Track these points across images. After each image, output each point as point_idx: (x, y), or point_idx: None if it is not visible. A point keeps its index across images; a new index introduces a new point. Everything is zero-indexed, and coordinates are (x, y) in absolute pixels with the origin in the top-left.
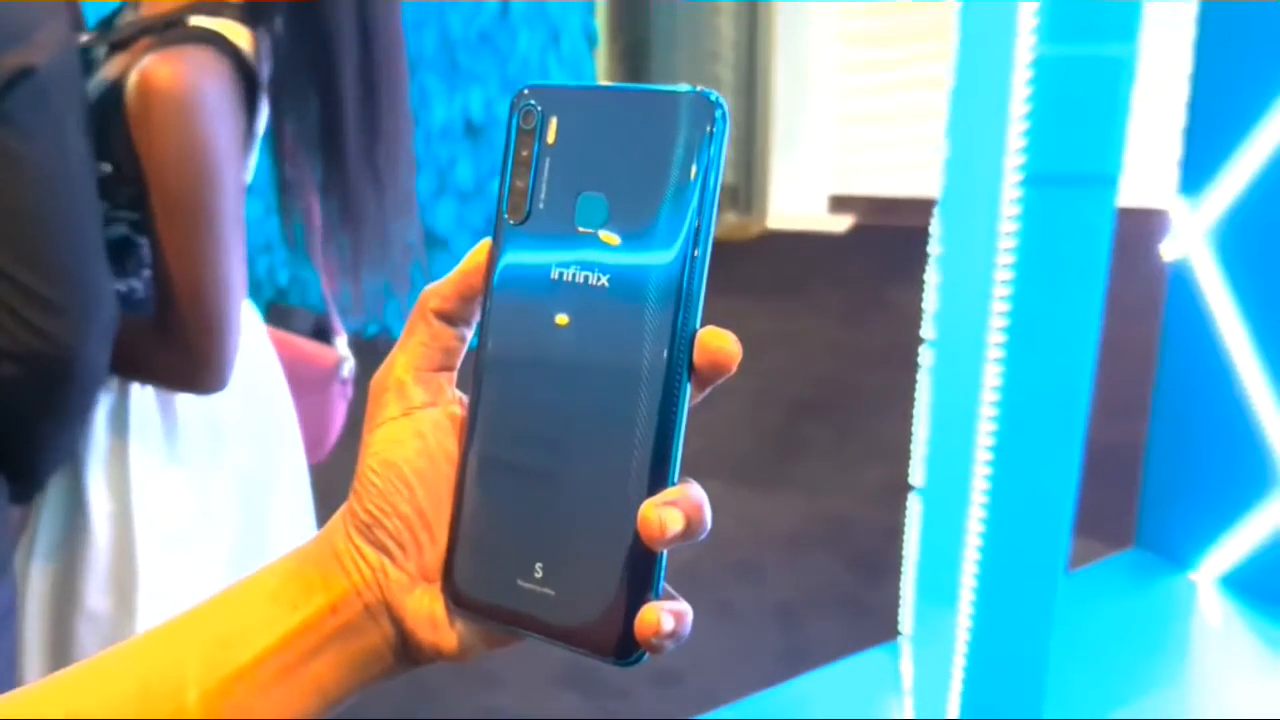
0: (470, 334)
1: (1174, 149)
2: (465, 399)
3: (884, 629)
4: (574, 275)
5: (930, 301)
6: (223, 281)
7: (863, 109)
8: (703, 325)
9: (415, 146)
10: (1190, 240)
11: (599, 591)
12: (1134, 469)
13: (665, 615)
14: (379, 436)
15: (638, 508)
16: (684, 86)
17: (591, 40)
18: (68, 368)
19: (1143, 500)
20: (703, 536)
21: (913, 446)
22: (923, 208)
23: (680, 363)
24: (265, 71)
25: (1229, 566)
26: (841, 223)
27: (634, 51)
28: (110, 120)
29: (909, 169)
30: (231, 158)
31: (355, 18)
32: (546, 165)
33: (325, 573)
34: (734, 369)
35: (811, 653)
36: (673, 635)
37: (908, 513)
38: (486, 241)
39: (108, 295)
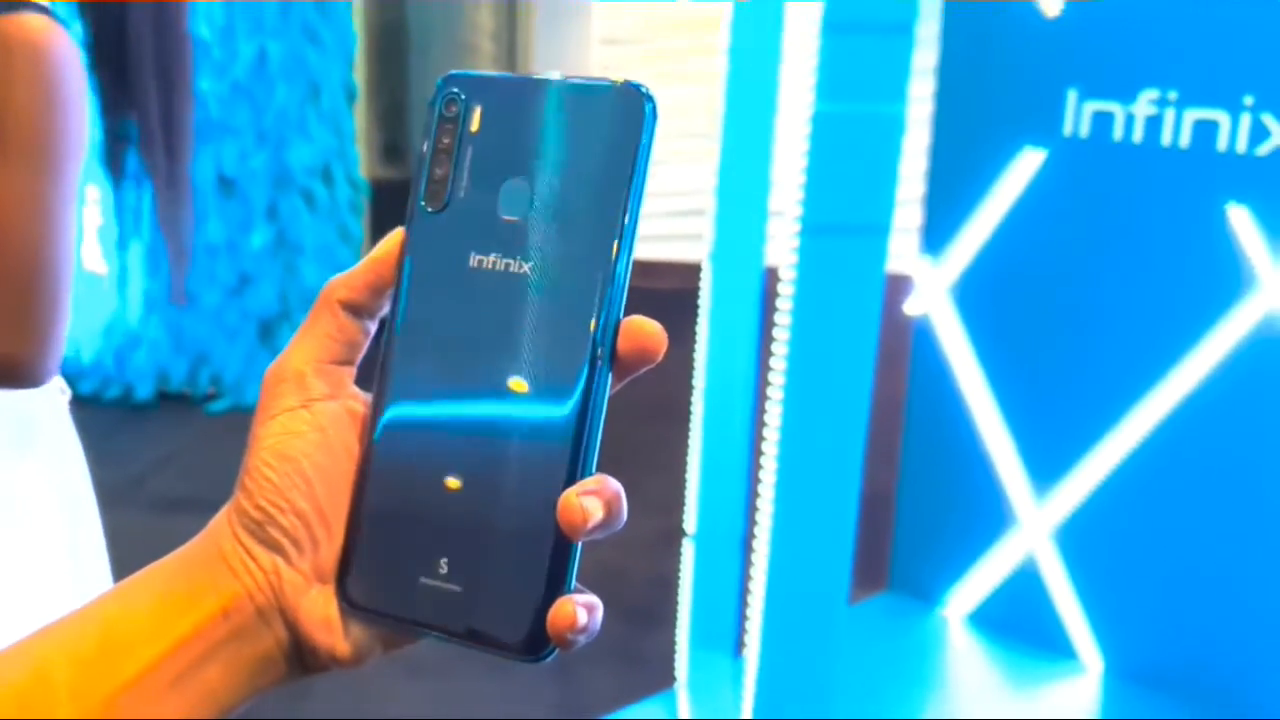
0: (374, 327)
1: (913, 216)
2: (364, 395)
3: (658, 678)
4: (494, 262)
5: (700, 352)
6: (61, 242)
7: None
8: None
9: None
10: (932, 297)
11: (510, 587)
12: (886, 514)
13: (579, 609)
14: (274, 428)
15: (554, 499)
16: (613, 78)
17: (351, 95)
18: None
19: (895, 543)
20: (619, 527)
21: (684, 495)
22: (678, 272)
23: (606, 350)
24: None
25: (975, 603)
26: None
27: (390, 42)
28: None
29: (669, 236)
30: (82, 117)
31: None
32: (469, 153)
33: (213, 575)
34: (660, 356)
35: (586, 704)
36: (585, 630)
37: (680, 560)
38: (398, 231)
39: None
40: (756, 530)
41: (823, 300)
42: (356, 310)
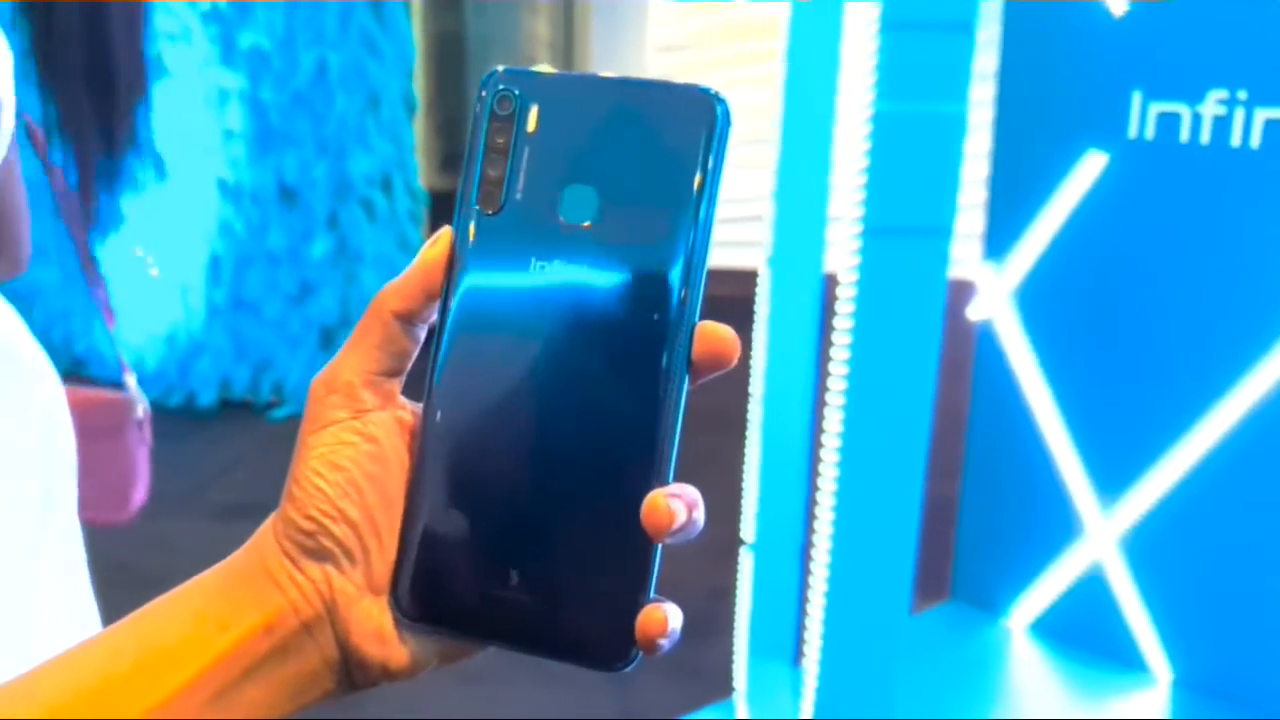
0: (424, 334)
1: (976, 221)
2: (412, 405)
3: (715, 688)
4: (560, 268)
5: (758, 359)
6: None
7: None
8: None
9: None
10: (995, 302)
11: (590, 594)
12: (948, 523)
13: (670, 613)
14: (324, 438)
15: (636, 503)
16: (680, 81)
17: (410, 105)
18: None
19: (957, 552)
20: (696, 532)
21: (742, 504)
22: (735, 279)
23: (682, 357)
24: None
25: (1039, 613)
26: None
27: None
28: None
29: (725, 243)
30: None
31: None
32: (526, 154)
33: (256, 589)
34: (733, 361)
35: (644, 715)
36: (672, 635)
37: (739, 569)
38: (445, 232)
39: None
40: (815, 539)
41: (884, 305)
42: (409, 319)
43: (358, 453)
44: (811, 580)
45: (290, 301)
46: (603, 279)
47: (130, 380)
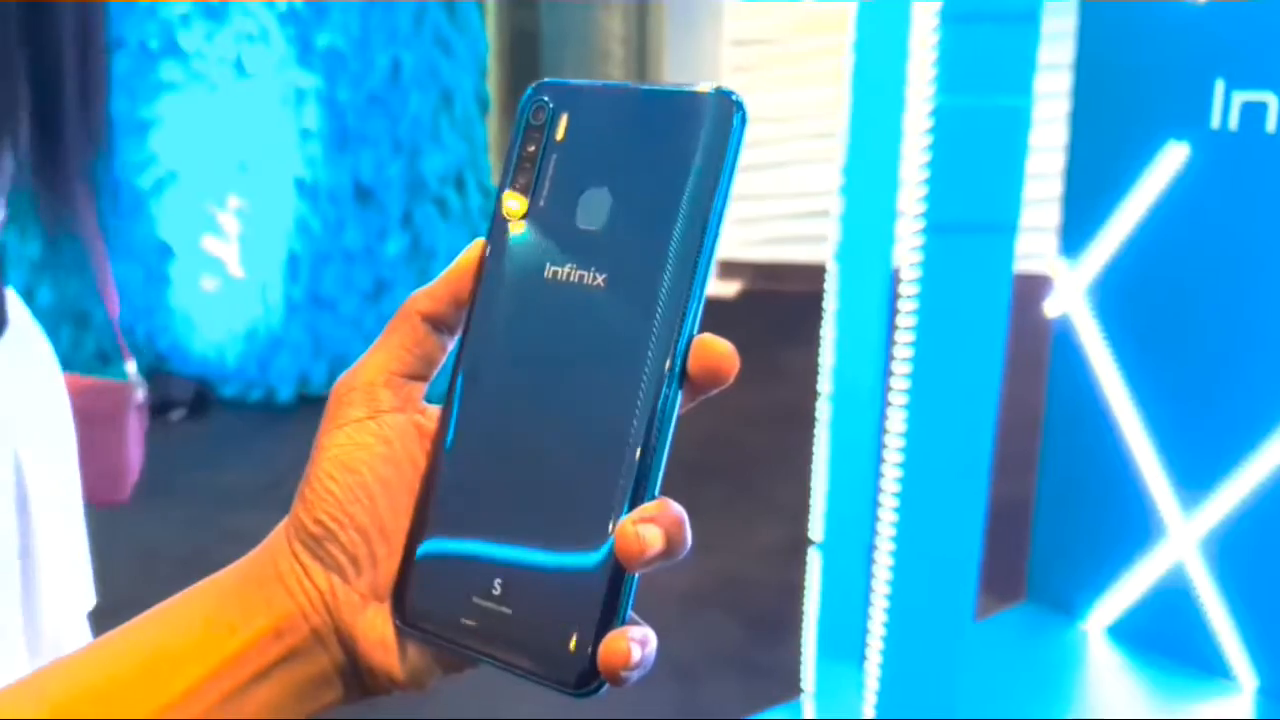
0: (452, 342)
1: (1052, 215)
2: (435, 411)
3: (781, 688)
4: (570, 273)
5: (827, 357)
6: None
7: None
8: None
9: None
10: (1071, 297)
11: (561, 614)
12: (1023, 524)
13: (633, 645)
14: (339, 438)
15: (615, 523)
16: (704, 85)
17: (484, 104)
18: None
19: (1033, 554)
20: (680, 557)
21: (810, 503)
22: (809, 274)
23: (675, 370)
24: None
25: (1117, 616)
26: (729, 288)
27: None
28: None
29: (797, 238)
30: None
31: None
32: (552, 162)
33: (268, 593)
34: (731, 379)
35: (709, 712)
36: (638, 666)
37: (807, 568)
38: (479, 242)
39: None
40: (879, 539)
41: (948, 302)
42: (437, 323)
43: (371, 455)
44: (875, 580)
45: (366, 299)
46: (608, 286)
47: (130, 367)
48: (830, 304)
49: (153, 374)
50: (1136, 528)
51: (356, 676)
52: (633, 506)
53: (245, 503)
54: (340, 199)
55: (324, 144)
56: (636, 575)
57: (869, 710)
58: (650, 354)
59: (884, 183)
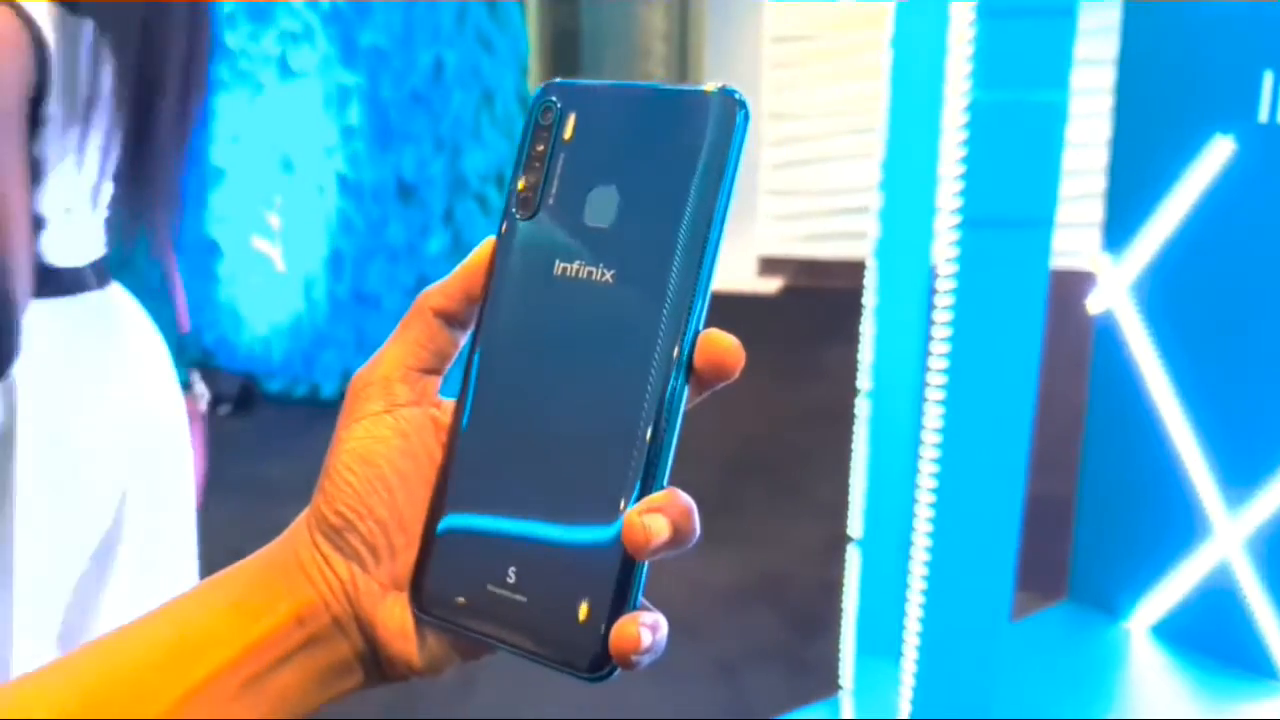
0: (465, 337)
1: (1095, 211)
2: (449, 404)
3: (823, 684)
4: (578, 270)
5: (866, 353)
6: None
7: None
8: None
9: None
10: (1114, 293)
11: (573, 600)
12: (1066, 521)
13: (643, 629)
14: (356, 432)
15: (623, 513)
16: (709, 85)
17: (524, 102)
18: None
19: (1075, 552)
20: (689, 546)
21: (849, 500)
22: (850, 270)
23: (681, 363)
24: (60, 52)
25: (1161, 615)
26: (771, 285)
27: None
28: None
29: (840, 234)
30: (9, 106)
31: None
32: (560, 161)
33: (290, 581)
34: (737, 373)
35: (750, 708)
36: (648, 650)
37: (846, 565)
38: (490, 239)
39: None
40: (915, 536)
41: (984, 298)
42: (449, 319)
43: (389, 448)
44: (910, 578)
45: (408, 295)
46: (615, 283)
47: (195, 378)
48: (869, 300)
49: (200, 369)
50: (1180, 526)
51: (376, 664)
52: (641, 496)
53: (290, 497)
54: (383, 196)
55: (367, 142)
56: (646, 563)
57: (905, 708)
58: (658, 348)
59: (923, 179)
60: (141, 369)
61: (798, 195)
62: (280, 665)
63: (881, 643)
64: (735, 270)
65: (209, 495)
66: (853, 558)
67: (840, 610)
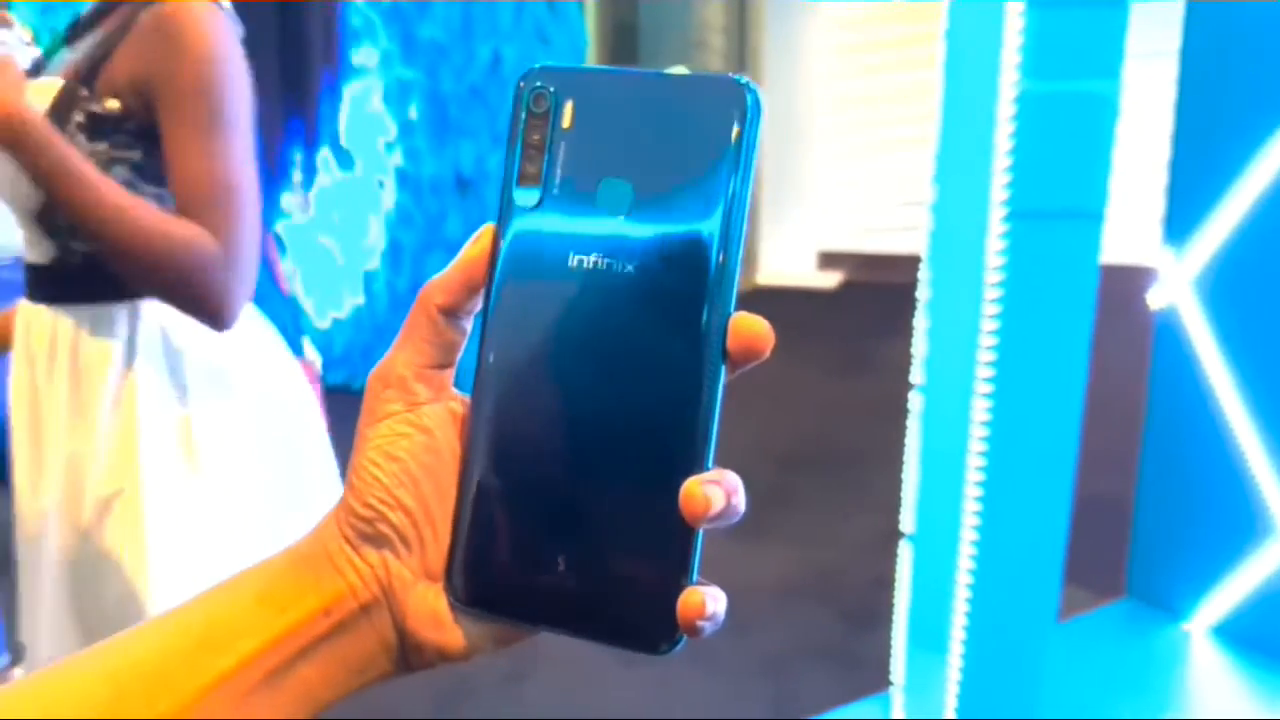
0: (470, 326)
1: (1155, 207)
2: (464, 396)
3: (875, 680)
4: (597, 261)
5: (920, 347)
6: (241, 183)
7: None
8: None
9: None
10: (1176, 289)
11: (633, 579)
12: (1124, 519)
13: (708, 598)
14: (381, 430)
15: (675, 490)
16: (714, 72)
17: None
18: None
19: (1133, 550)
20: (737, 517)
21: (902, 495)
22: (910, 264)
23: (717, 347)
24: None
25: (1222, 616)
26: (830, 279)
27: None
28: (112, 58)
29: (901, 227)
30: (245, 86)
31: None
32: (562, 149)
33: (318, 574)
34: (767, 353)
35: (801, 704)
36: (714, 617)
37: (898, 561)
38: (487, 228)
39: None
40: (963, 532)
41: (1032, 291)
42: (454, 313)
43: (413, 444)
44: (958, 574)
45: None
46: (640, 272)
47: (306, 344)
48: (923, 294)
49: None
50: (1242, 525)
51: (402, 653)
52: (692, 472)
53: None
54: (442, 190)
55: (426, 136)
56: (701, 534)
57: (950, 706)
58: (696, 334)
59: (978, 171)
60: (271, 334)
61: (858, 187)
62: (304, 656)
63: (934, 638)
64: (795, 264)
65: None
66: (905, 553)
67: (892, 606)
